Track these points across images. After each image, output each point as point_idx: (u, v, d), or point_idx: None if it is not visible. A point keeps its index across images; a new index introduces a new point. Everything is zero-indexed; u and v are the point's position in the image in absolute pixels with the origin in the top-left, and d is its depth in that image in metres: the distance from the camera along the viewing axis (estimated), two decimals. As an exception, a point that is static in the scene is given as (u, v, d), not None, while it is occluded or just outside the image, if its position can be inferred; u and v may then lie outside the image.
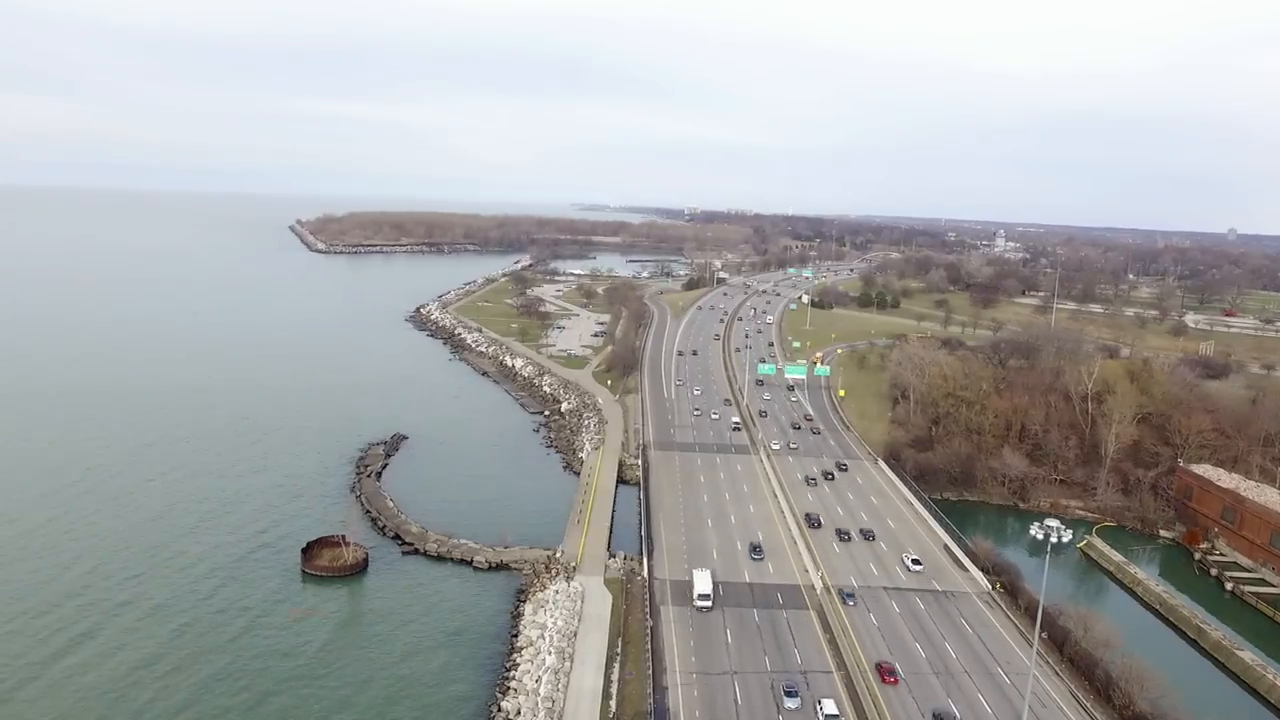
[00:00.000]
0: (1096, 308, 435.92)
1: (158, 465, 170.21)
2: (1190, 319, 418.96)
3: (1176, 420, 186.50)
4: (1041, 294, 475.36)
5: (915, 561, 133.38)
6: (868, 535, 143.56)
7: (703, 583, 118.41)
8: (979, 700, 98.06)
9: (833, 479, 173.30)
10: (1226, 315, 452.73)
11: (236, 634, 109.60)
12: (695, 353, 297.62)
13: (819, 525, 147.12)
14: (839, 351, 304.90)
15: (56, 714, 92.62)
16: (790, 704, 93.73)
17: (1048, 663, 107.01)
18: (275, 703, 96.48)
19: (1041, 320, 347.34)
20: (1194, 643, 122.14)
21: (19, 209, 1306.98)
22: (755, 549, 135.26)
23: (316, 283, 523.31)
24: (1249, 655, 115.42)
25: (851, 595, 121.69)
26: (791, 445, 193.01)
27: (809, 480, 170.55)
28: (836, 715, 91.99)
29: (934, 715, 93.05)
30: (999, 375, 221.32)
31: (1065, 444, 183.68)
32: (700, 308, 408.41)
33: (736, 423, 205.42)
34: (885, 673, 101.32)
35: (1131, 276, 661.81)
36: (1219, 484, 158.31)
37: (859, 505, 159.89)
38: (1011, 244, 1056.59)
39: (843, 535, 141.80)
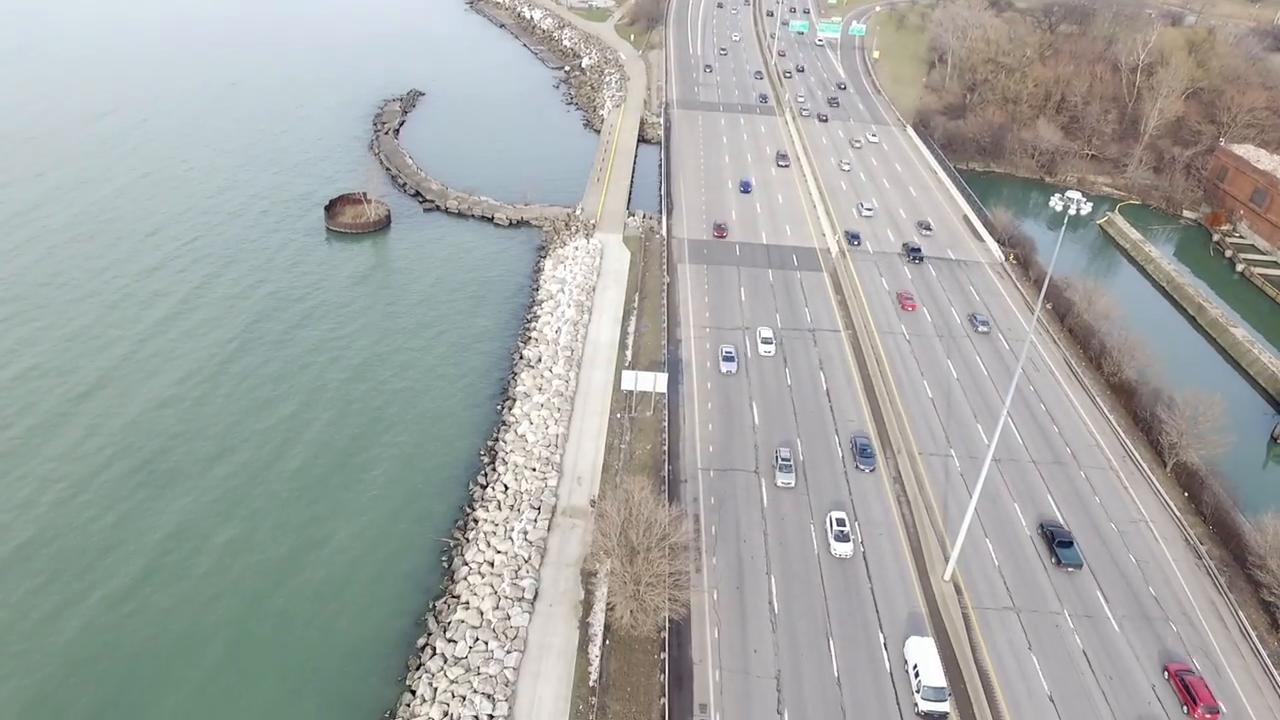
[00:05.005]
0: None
1: (159, 123, 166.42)
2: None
3: (1229, 96, 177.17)
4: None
5: (926, 228, 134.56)
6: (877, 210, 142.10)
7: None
8: (976, 361, 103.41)
9: (860, 146, 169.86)
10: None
11: (270, 289, 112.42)
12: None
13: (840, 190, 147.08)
14: (876, 9, 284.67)
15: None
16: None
17: (1048, 331, 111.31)
18: (308, 332, 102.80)
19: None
20: (1193, 320, 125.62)
21: None
22: (773, 211, 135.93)
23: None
24: (1240, 332, 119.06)
25: (856, 237, 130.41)
26: (820, 117, 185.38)
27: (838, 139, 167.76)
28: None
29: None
30: (1046, 41, 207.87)
31: (1104, 117, 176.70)
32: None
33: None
34: (904, 299, 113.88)
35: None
36: (1256, 165, 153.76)
37: (882, 171, 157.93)
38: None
39: (864, 209, 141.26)
